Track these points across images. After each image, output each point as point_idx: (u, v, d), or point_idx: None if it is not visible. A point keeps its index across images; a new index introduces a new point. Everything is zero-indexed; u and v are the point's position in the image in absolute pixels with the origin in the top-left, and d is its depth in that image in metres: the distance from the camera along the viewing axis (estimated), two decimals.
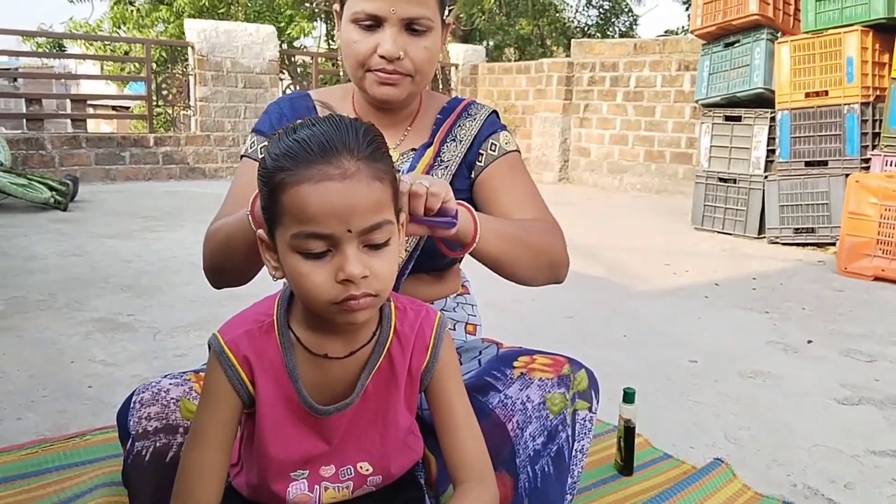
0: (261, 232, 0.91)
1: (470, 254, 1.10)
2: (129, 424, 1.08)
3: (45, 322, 2.77)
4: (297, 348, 0.93)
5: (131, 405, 1.09)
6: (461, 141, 1.29)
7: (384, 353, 0.96)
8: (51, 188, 5.52)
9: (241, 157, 1.30)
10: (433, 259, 1.25)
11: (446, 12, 1.27)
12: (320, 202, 0.81)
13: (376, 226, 0.84)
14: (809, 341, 2.87)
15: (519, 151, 1.34)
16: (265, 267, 0.94)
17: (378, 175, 0.85)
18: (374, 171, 0.85)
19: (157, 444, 1.06)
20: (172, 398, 1.09)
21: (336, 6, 1.25)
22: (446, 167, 1.27)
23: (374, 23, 1.16)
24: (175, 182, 7.61)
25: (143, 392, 1.10)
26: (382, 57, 1.16)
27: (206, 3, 11.21)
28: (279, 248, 0.87)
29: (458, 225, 1.02)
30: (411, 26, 1.17)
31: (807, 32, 4.94)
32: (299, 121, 0.89)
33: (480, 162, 1.29)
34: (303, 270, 0.84)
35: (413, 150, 1.29)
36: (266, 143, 1.20)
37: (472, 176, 1.30)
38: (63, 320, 2.80)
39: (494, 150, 1.30)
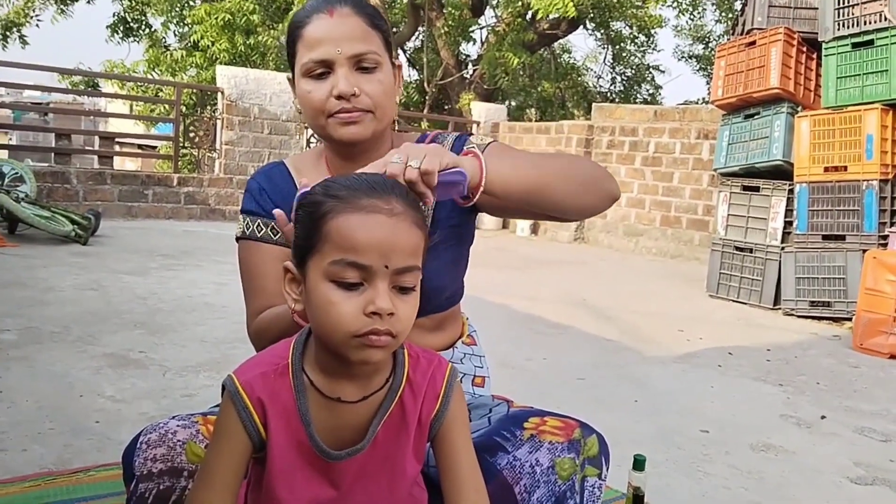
0: (289, 263, 0.93)
1: (496, 196, 1.08)
2: (135, 465, 1.07)
3: (58, 354, 2.78)
4: (311, 392, 0.94)
5: (138, 445, 1.08)
6: None
7: (396, 399, 0.96)
8: (73, 222, 5.61)
9: (238, 239, 1.29)
10: (429, 300, 1.24)
11: (395, 54, 1.29)
12: (367, 232, 0.86)
13: (409, 268, 0.88)
14: (823, 417, 2.82)
15: (497, 141, 1.30)
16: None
17: (419, 223, 0.91)
18: (416, 217, 0.90)
19: (161, 487, 1.05)
20: (179, 440, 1.08)
21: (288, 75, 1.29)
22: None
23: (324, 69, 1.19)
24: (195, 222, 7.70)
25: (151, 433, 1.09)
26: (340, 97, 1.18)
27: (241, 51, 11.52)
28: (310, 278, 0.89)
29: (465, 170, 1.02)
30: (360, 64, 1.20)
31: (827, 108, 5.00)
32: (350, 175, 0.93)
33: None
34: (333, 298, 0.87)
35: None
36: (260, 221, 1.25)
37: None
38: (75, 354, 2.81)
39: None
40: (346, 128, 1.21)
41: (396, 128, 1.40)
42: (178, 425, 1.10)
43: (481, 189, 1.06)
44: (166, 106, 11.24)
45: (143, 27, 14.03)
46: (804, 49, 5.30)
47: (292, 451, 0.93)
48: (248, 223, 1.28)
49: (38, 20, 12.95)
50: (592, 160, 1.21)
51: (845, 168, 4.86)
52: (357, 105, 1.19)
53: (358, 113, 1.20)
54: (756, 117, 5.47)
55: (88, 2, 14.14)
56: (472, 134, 1.36)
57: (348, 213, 0.86)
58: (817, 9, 5.19)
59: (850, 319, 4.62)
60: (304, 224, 0.91)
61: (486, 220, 8.96)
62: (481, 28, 14.31)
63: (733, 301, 5.46)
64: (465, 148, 1.24)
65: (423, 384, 0.98)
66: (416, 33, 14.25)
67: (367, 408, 0.95)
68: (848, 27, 4.87)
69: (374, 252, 0.85)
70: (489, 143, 1.26)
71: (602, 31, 16.15)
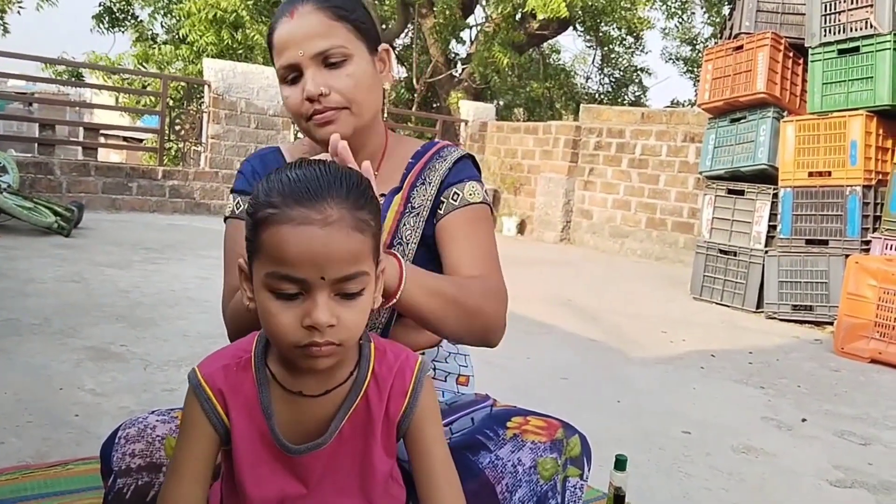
0: (241, 261, 0.92)
1: (395, 306, 1.06)
2: (113, 460, 1.06)
3: (38, 347, 2.75)
4: (273, 385, 0.93)
5: (116, 440, 1.07)
6: (431, 183, 1.26)
7: (361, 393, 0.94)
8: (55, 213, 5.55)
9: (226, 218, 1.28)
10: None
11: (375, 40, 1.24)
12: (298, 246, 0.82)
13: (351, 276, 0.85)
14: (804, 420, 2.84)
15: (487, 204, 1.29)
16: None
17: (359, 225, 0.85)
18: (355, 220, 0.85)
19: (140, 483, 1.04)
20: (158, 436, 1.07)
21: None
22: (417, 213, 1.24)
23: (296, 74, 1.17)
24: (179, 216, 7.64)
25: (129, 427, 1.07)
26: (309, 100, 1.16)
27: (228, 45, 11.43)
28: (254, 281, 0.88)
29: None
30: (327, 60, 1.16)
31: (812, 113, 5.04)
32: (298, 159, 0.91)
33: (441, 210, 1.25)
34: (272, 309, 0.85)
35: (383, 195, 1.25)
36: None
37: (435, 221, 1.26)
38: (55, 346, 2.78)
39: (455, 200, 1.25)
40: (325, 128, 1.17)
41: (385, 116, 1.39)
42: (157, 420, 1.09)
43: (397, 297, 1.03)
44: (152, 98, 11.13)
45: (129, 17, 13.88)
46: (791, 54, 5.34)
47: (256, 443, 0.93)
48: (238, 203, 1.27)
49: (20, 7, 12.76)
50: (504, 306, 1.21)
51: (829, 173, 4.90)
52: (328, 104, 1.16)
53: (331, 112, 1.17)
54: (742, 121, 5.51)
55: None
56: (472, 176, 1.32)
57: (279, 225, 0.83)
58: (804, 14, 5.23)
59: (831, 323, 4.66)
60: (247, 225, 0.88)
61: None
62: (471, 27, 14.30)
63: (717, 304, 5.49)
64: (453, 188, 1.25)
65: (388, 378, 0.96)
66: (406, 30, 14.21)
67: (330, 402, 0.94)
68: (834, 33, 4.91)
69: (306, 265, 0.82)
70: (473, 204, 1.24)
71: (591, 32, 16.20)
